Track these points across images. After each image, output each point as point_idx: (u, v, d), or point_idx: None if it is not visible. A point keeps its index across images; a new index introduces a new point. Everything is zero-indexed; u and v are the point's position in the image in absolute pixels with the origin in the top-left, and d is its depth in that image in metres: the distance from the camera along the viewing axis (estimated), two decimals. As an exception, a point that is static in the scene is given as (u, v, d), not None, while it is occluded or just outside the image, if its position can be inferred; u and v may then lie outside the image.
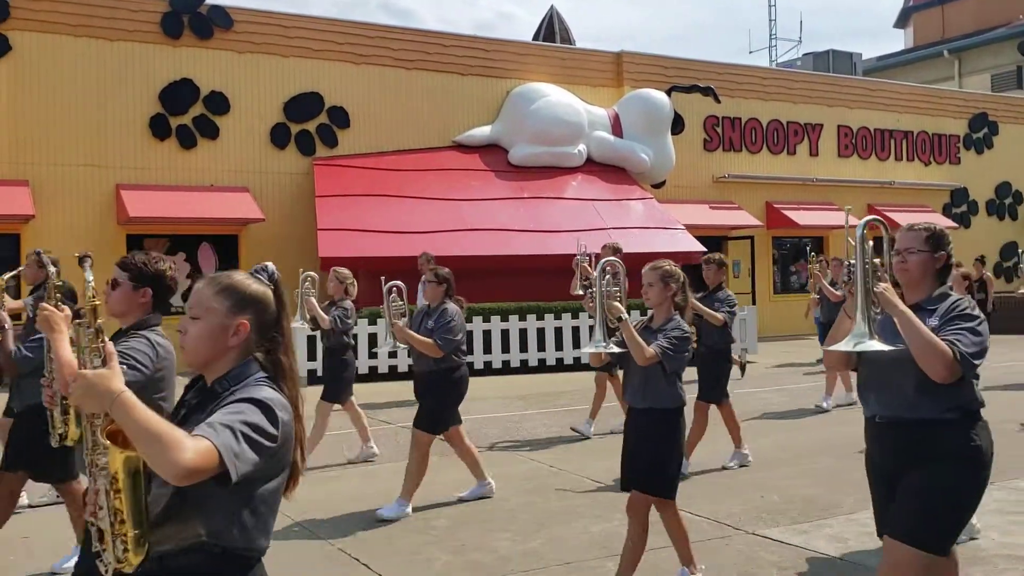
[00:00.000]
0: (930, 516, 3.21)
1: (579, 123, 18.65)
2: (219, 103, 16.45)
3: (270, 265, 2.38)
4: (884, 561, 3.34)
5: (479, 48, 18.94)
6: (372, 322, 13.58)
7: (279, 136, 16.95)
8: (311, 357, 12.93)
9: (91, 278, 2.17)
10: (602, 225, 16.85)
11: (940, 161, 24.64)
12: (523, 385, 13.26)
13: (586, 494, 6.74)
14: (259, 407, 2.09)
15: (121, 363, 3.24)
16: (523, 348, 15.00)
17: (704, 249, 15.35)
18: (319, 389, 8.17)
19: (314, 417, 7.92)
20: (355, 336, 13.64)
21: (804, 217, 21.19)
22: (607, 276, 4.53)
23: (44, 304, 3.33)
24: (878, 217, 3.37)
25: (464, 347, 6.52)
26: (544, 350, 15.04)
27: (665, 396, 4.48)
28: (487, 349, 14.81)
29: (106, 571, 2.05)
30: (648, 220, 17.90)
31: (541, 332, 15.11)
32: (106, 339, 2.09)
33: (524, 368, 14.88)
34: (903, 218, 21.30)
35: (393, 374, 13.70)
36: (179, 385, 2.71)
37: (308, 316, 8.05)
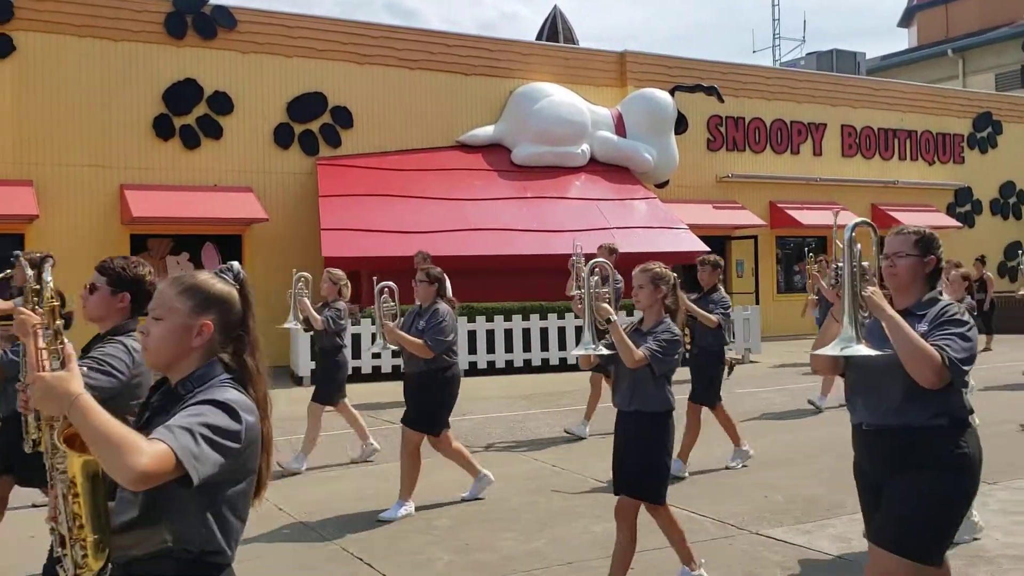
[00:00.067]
0: (917, 524, 3.14)
1: (582, 123, 18.64)
2: (223, 103, 16.47)
3: (235, 265, 2.33)
4: (871, 569, 3.27)
5: (483, 48, 18.94)
6: (375, 322, 13.56)
7: (283, 136, 16.96)
8: (314, 358, 12.91)
9: (50, 279, 2.14)
10: (605, 225, 16.85)
11: (944, 160, 24.60)
12: (526, 385, 13.26)
13: (588, 494, 6.74)
14: (221, 408, 2.06)
15: (98, 369, 3.24)
16: (526, 348, 15.00)
17: (708, 249, 15.35)
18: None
19: (306, 419, 7.92)
20: (358, 336, 13.82)
21: (808, 217, 21.16)
22: (595, 277, 4.51)
23: (20, 308, 3.31)
24: (867, 220, 3.28)
25: (456, 347, 6.45)
26: (547, 350, 15.05)
27: (654, 399, 4.43)
28: (490, 349, 14.81)
29: None
30: (651, 220, 17.90)
31: (544, 332, 15.11)
32: (65, 341, 2.05)
33: (527, 368, 14.88)
34: (907, 218, 21.28)
35: (396, 374, 13.65)
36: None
37: (301, 316, 7.99)
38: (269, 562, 5.36)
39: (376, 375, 13.77)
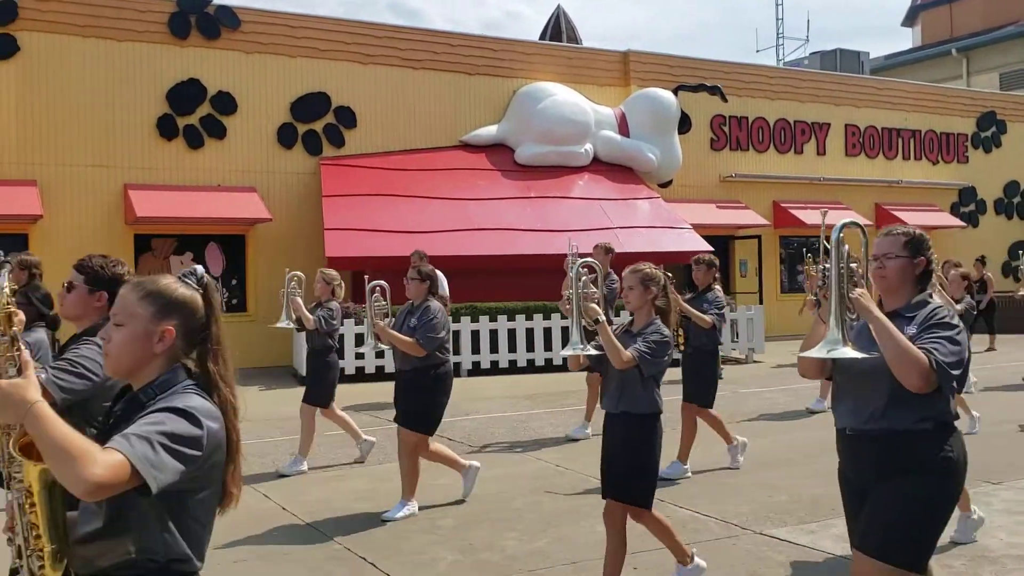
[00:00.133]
0: (902, 531, 3.10)
1: (586, 122, 18.64)
2: (226, 103, 16.49)
3: (199, 268, 2.29)
4: (854, 574, 3.23)
5: (486, 48, 18.94)
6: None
7: (286, 136, 16.98)
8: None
9: (5, 283, 2.11)
10: (609, 225, 16.85)
11: (948, 160, 24.56)
12: (529, 385, 13.26)
13: (592, 494, 6.73)
14: (181, 415, 2.02)
15: (71, 371, 3.22)
16: (530, 348, 15.00)
17: (711, 248, 15.34)
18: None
19: (300, 421, 7.89)
20: (360, 336, 13.81)
21: (811, 216, 21.11)
22: (585, 277, 4.49)
23: None
24: (855, 221, 3.21)
25: (448, 344, 6.44)
26: (551, 350, 15.03)
27: (641, 401, 4.39)
28: (494, 349, 14.81)
29: None
30: (655, 219, 17.89)
31: (548, 332, 15.11)
32: (22, 348, 2.01)
33: (531, 368, 14.88)
34: (911, 217, 21.25)
35: (380, 375, 13.68)
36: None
37: (293, 316, 7.96)
38: (272, 562, 5.36)
39: (379, 374, 13.75)
